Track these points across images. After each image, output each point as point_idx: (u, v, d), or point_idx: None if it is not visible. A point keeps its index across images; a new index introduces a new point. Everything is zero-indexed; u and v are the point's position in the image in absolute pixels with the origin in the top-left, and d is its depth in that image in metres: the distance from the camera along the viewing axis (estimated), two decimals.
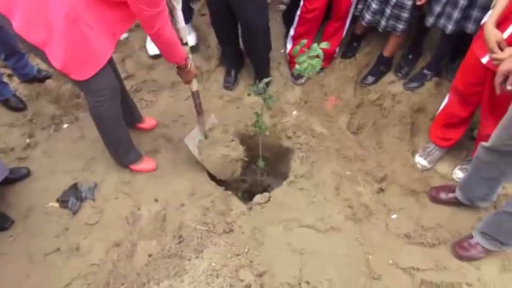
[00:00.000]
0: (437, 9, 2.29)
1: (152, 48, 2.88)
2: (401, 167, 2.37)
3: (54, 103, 2.61)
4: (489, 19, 1.75)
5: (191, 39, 2.88)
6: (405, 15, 2.38)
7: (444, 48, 2.60)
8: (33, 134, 2.45)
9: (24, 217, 2.08)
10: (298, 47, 1.86)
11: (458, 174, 2.32)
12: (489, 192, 2.02)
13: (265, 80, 2.12)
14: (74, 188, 2.18)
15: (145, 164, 2.27)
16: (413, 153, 2.45)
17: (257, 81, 2.13)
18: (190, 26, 2.89)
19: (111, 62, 1.95)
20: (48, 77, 2.71)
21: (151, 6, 1.51)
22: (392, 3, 2.36)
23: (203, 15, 3.06)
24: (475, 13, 2.23)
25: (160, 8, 1.54)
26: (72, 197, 2.13)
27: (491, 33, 1.71)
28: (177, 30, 1.79)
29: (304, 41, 1.88)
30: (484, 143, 1.84)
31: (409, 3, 2.33)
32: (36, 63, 2.71)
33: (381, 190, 2.26)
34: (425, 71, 2.70)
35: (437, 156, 2.37)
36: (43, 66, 2.71)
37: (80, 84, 1.80)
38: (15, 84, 2.67)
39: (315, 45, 1.81)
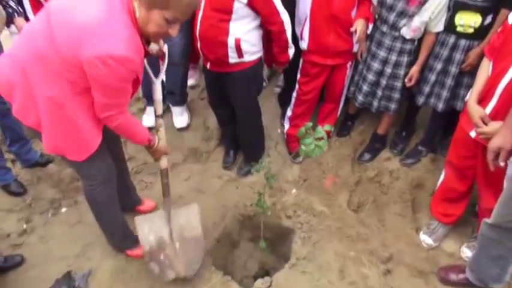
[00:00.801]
0: (427, 89, 2.42)
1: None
2: (406, 246, 2.30)
3: (55, 187, 2.62)
4: (471, 96, 1.85)
5: (183, 120, 2.98)
6: (396, 95, 2.50)
7: (436, 124, 2.69)
8: (31, 219, 2.42)
9: None
10: (303, 129, 1.91)
11: (466, 252, 2.24)
12: (501, 272, 1.93)
13: (266, 160, 2.17)
14: (67, 277, 2.09)
15: (142, 249, 2.20)
16: (417, 230, 2.40)
17: (260, 161, 2.17)
18: (184, 107, 3.02)
19: (112, 146, 1.98)
20: (50, 162, 2.76)
21: (109, 96, 1.47)
22: (383, 85, 2.49)
23: (202, 99, 3.20)
24: (462, 92, 2.36)
25: (119, 101, 1.51)
26: (64, 287, 2.03)
27: (474, 110, 1.80)
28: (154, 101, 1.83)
29: (310, 124, 1.94)
30: (486, 220, 1.81)
31: (399, 84, 2.46)
32: (39, 148, 2.77)
33: (388, 272, 2.17)
34: (420, 148, 2.76)
35: (442, 234, 2.31)
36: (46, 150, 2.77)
37: (74, 166, 1.82)
38: (17, 169, 2.70)
39: (319, 127, 1.88)
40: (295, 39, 2.49)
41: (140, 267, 2.14)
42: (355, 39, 2.34)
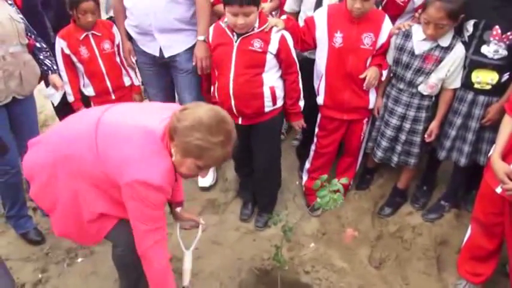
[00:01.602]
0: (448, 143, 2.40)
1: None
2: None
3: None
4: (494, 152, 1.82)
5: (206, 180, 2.95)
6: (415, 150, 2.49)
7: (458, 179, 2.63)
8: (47, 269, 2.41)
9: None
10: (318, 182, 1.91)
11: None
12: None
13: (284, 213, 2.15)
14: None
15: None
16: None
17: (277, 213, 2.16)
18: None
19: None
20: None
21: (145, 220, 1.54)
22: (402, 140, 2.48)
23: None
24: (484, 146, 2.32)
25: (155, 225, 1.56)
26: None
27: (499, 166, 1.76)
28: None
29: (325, 176, 1.94)
30: None
31: (418, 139, 2.45)
32: None
33: None
34: (442, 202, 2.68)
35: None
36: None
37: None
38: (38, 218, 2.74)
39: (335, 180, 1.87)
40: (312, 95, 2.57)
41: None
42: (364, 85, 2.38)
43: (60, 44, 2.60)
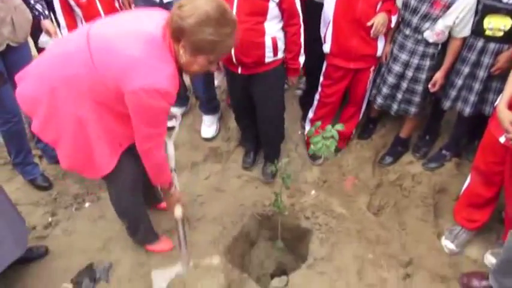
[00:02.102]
0: (453, 93, 2.36)
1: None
2: (427, 251, 2.25)
3: (79, 183, 2.69)
4: (501, 101, 1.80)
5: (209, 131, 2.99)
6: (416, 99, 2.46)
7: (461, 129, 2.63)
8: (56, 213, 2.50)
9: None
10: (313, 129, 1.92)
11: (491, 259, 2.17)
12: None
13: (283, 160, 2.17)
14: (89, 269, 2.15)
15: (162, 244, 2.24)
16: (439, 235, 2.34)
17: (275, 161, 2.19)
18: (215, 118, 3.04)
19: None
20: None
21: (150, 125, 1.55)
22: (403, 88, 2.45)
23: (223, 100, 3.24)
24: (491, 96, 2.29)
25: (158, 130, 1.59)
26: (86, 278, 2.09)
27: (505, 115, 1.74)
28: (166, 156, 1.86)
29: (319, 123, 1.95)
30: None
31: (420, 88, 2.42)
32: None
33: (407, 276, 2.13)
34: (444, 152, 2.70)
35: (464, 239, 2.25)
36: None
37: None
38: (44, 165, 2.79)
39: (329, 126, 1.88)
40: (319, 43, 2.51)
41: (159, 261, 2.18)
42: (372, 32, 2.31)
43: None
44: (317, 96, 2.74)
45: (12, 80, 2.33)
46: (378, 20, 2.27)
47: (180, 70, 1.53)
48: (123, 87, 1.43)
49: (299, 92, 3.27)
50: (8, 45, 2.17)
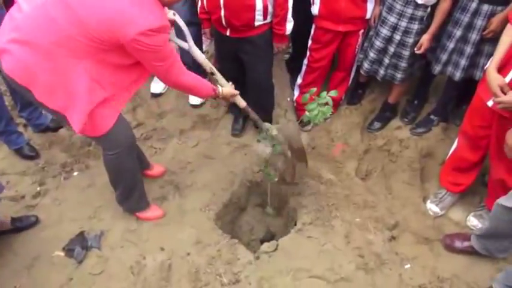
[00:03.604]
0: (444, 57, 2.33)
1: (154, 87, 3.02)
2: (413, 214, 2.31)
3: (66, 151, 2.66)
4: (490, 64, 1.79)
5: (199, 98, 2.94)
6: (403, 64, 2.43)
7: (450, 93, 2.63)
8: (44, 182, 2.48)
9: (30, 267, 2.06)
10: (307, 95, 1.90)
11: (473, 221, 2.24)
12: (510, 246, 1.95)
13: (273, 126, 2.16)
14: (81, 237, 2.16)
15: (153, 211, 2.26)
16: (425, 199, 2.40)
17: (265, 128, 2.17)
18: None
19: None
20: (61, 126, 2.79)
21: (163, 60, 1.62)
22: (390, 52, 2.42)
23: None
24: (482, 60, 2.26)
25: (171, 60, 1.64)
26: (78, 246, 2.11)
27: (493, 77, 1.74)
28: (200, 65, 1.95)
29: (314, 89, 1.94)
30: (502, 202, 1.78)
31: (407, 53, 2.38)
32: None
33: (393, 238, 2.19)
34: (431, 117, 2.71)
35: (449, 203, 2.31)
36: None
37: (97, 139, 1.86)
38: (29, 134, 2.74)
39: (324, 93, 1.86)
40: (306, 6, 2.44)
41: (150, 228, 2.21)
42: None
43: None
44: (305, 61, 2.70)
45: None
46: None
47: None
48: (120, 39, 1.49)
49: (286, 57, 3.21)
50: None
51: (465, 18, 2.17)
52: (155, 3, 1.54)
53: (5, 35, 1.58)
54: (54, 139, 2.75)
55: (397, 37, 2.35)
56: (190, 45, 1.90)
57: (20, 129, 2.70)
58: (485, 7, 2.10)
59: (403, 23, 2.30)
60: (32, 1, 1.56)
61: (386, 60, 2.46)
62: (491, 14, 2.11)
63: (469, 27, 2.19)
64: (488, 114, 1.91)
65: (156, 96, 3.02)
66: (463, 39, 2.24)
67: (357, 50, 2.59)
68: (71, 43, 1.52)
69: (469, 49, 2.24)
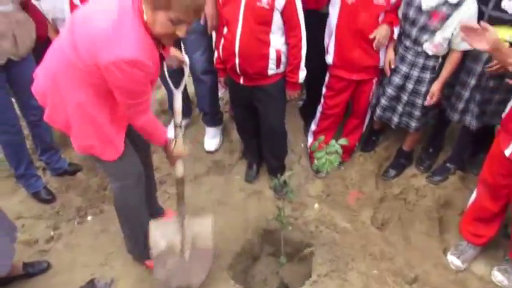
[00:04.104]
0: (461, 105, 2.31)
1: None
2: (433, 267, 2.22)
3: (82, 195, 2.69)
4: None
5: (212, 143, 2.98)
6: (417, 113, 2.44)
7: (466, 141, 2.60)
8: (58, 226, 2.49)
9: None
10: (316, 143, 1.91)
11: (498, 276, 2.14)
12: None
13: (286, 174, 2.15)
14: (91, 285, 2.13)
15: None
16: (445, 251, 2.31)
17: (278, 176, 2.17)
18: (218, 130, 3.02)
19: (142, 153, 2.02)
20: (78, 170, 2.84)
21: (129, 97, 1.55)
22: (403, 101, 2.43)
23: (226, 112, 3.23)
24: (499, 107, 2.24)
25: (139, 100, 1.57)
26: None
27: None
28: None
29: (322, 137, 1.94)
30: None
31: (420, 102, 2.39)
32: (68, 157, 2.86)
33: None
34: (448, 165, 2.67)
35: (471, 255, 2.22)
36: (75, 159, 2.86)
37: (106, 167, 1.88)
38: (47, 177, 2.79)
39: (333, 141, 1.86)
40: (320, 54, 2.50)
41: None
42: (374, 45, 2.30)
43: None
44: (319, 108, 2.73)
45: (14, 93, 2.37)
46: (380, 33, 2.27)
47: (158, 40, 1.52)
48: (99, 64, 1.44)
49: (300, 103, 3.26)
50: (10, 59, 2.18)
51: (478, 68, 2.19)
52: (143, 36, 1.46)
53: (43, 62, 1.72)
54: (71, 183, 2.79)
55: (410, 86, 2.37)
56: (175, 92, 1.86)
57: (39, 172, 2.76)
58: None
59: (415, 73, 2.33)
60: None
61: (400, 108, 2.47)
62: None
63: (483, 75, 2.19)
64: (508, 162, 1.88)
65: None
66: (478, 87, 2.24)
67: (370, 97, 2.62)
68: (71, 68, 1.55)
69: (484, 97, 2.24)
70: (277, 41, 2.20)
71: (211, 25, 2.44)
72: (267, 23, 2.14)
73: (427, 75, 2.32)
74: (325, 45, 2.49)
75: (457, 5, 2.08)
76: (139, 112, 1.63)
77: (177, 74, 1.96)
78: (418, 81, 2.35)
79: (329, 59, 2.49)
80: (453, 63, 2.24)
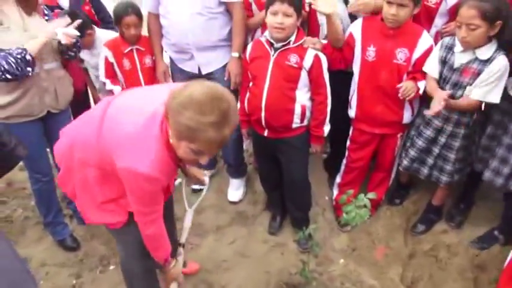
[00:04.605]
0: (494, 164, 2.23)
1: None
2: None
3: (106, 244, 2.70)
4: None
5: (236, 194, 2.99)
6: (448, 167, 2.38)
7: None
8: (81, 275, 2.49)
9: None
10: (345, 197, 1.90)
11: None
12: None
13: (311, 226, 2.12)
14: None
15: None
16: None
17: (304, 228, 2.14)
18: (242, 182, 3.05)
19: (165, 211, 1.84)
20: None
21: (141, 204, 1.54)
22: (435, 153, 2.39)
23: (250, 163, 3.27)
24: None
25: (150, 209, 1.56)
26: None
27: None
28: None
29: (351, 191, 1.92)
30: None
31: (452, 156, 2.34)
32: None
33: None
34: (496, 233, 2.48)
35: None
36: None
37: (112, 232, 1.86)
38: (73, 225, 2.84)
39: (361, 195, 1.85)
40: (344, 107, 2.55)
41: None
42: (400, 93, 2.27)
43: (105, 52, 2.73)
44: (344, 161, 2.73)
45: (49, 143, 2.49)
46: (406, 85, 2.27)
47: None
48: (115, 161, 1.45)
49: (324, 156, 3.27)
50: (48, 111, 2.33)
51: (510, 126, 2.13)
52: (163, 155, 1.43)
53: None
54: (96, 231, 2.81)
55: (443, 139, 2.33)
56: (189, 211, 1.90)
57: (66, 220, 2.81)
58: None
59: (449, 127, 2.29)
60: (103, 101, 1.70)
61: (431, 161, 2.42)
62: None
63: None
64: None
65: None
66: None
67: (396, 152, 2.60)
68: (87, 146, 1.58)
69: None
70: (302, 96, 2.29)
71: (235, 82, 2.56)
72: (294, 80, 2.24)
73: (461, 131, 2.29)
74: (349, 99, 2.54)
75: (487, 61, 2.08)
76: (150, 221, 1.60)
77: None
78: (452, 135, 2.31)
79: (351, 113, 2.52)
80: (468, 103, 2.15)
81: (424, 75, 2.30)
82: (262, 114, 2.30)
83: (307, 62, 2.21)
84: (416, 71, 2.30)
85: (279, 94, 2.24)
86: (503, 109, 2.22)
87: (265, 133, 2.41)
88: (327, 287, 2.33)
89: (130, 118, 1.47)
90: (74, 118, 2.56)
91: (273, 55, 2.24)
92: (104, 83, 2.81)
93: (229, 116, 1.31)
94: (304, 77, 2.24)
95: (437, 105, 2.07)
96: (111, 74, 2.78)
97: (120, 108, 1.55)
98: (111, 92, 2.78)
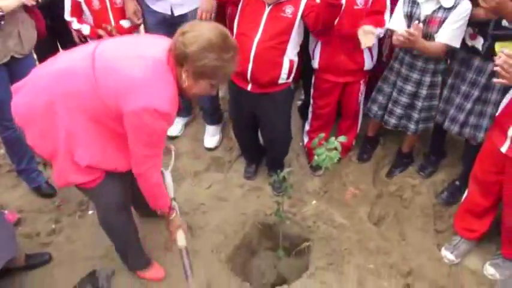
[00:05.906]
0: (461, 117, 2.32)
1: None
2: (427, 261, 2.27)
3: None
4: None
5: (212, 141, 3.02)
6: (415, 115, 2.48)
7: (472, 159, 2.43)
8: (60, 220, 2.52)
9: None
10: (316, 140, 1.96)
11: (490, 270, 2.19)
12: None
13: (285, 170, 2.20)
14: (92, 276, 2.16)
15: (152, 272, 2.18)
16: (439, 246, 2.36)
17: (278, 171, 2.22)
18: (218, 128, 3.07)
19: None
20: None
21: (147, 146, 1.56)
22: (418, 107, 2.45)
23: (226, 111, 3.27)
24: (488, 109, 2.26)
25: (155, 151, 1.60)
26: (89, 285, 2.10)
27: None
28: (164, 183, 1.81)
29: (322, 135, 1.98)
30: None
31: (436, 103, 2.44)
32: None
33: (407, 286, 2.15)
34: (457, 183, 2.60)
35: (464, 250, 2.27)
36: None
37: (85, 193, 1.85)
38: (48, 172, 2.82)
39: (332, 138, 1.91)
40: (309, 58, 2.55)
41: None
42: (362, 45, 2.26)
43: None
44: (310, 108, 2.77)
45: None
46: (363, 28, 2.22)
47: (180, 91, 1.57)
48: (123, 107, 1.46)
49: (299, 103, 3.31)
50: (12, 56, 2.22)
51: (482, 80, 2.19)
52: (175, 92, 1.52)
53: (34, 75, 1.65)
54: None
55: (424, 91, 2.40)
56: (166, 173, 1.87)
57: (40, 167, 2.78)
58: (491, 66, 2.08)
59: (427, 78, 2.35)
60: (77, 53, 1.63)
61: (416, 115, 2.47)
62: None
63: (488, 88, 2.19)
64: (500, 159, 1.93)
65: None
66: (481, 99, 2.25)
67: (359, 98, 2.64)
68: (76, 99, 1.53)
69: (490, 110, 2.23)
70: (291, 51, 2.24)
71: (200, 18, 2.39)
72: (288, 32, 2.18)
73: (439, 78, 2.38)
74: (310, 51, 2.53)
75: (451, 8, 2.12)
76: (153, 166, 1.63)
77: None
78: (432, 85, 2.39)
79: (315, 63, 2.52)
80: (433, 46, 2.20)
81: (379, 15, 2.30)
82: (250, 66, 2.21)
83: (302, 7, 2.14)
84: (374, 13, 2.28)
85: (270, 47, 2.17)
86: (461, 58, 2.29)
87: (249, 87, 2.32)
88: (300, 225, 2.47)
89: (131, 64, 1.49)
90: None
91: (268, 5, 2.15)
92: (70, 22, 2.66)
93: (237, 47, 1.51)
94: (296, 27, 2.18)
95: (404, 32, 2.09)
96: (77, 12, 2.63)
97: (111, 57, 1.54)
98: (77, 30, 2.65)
